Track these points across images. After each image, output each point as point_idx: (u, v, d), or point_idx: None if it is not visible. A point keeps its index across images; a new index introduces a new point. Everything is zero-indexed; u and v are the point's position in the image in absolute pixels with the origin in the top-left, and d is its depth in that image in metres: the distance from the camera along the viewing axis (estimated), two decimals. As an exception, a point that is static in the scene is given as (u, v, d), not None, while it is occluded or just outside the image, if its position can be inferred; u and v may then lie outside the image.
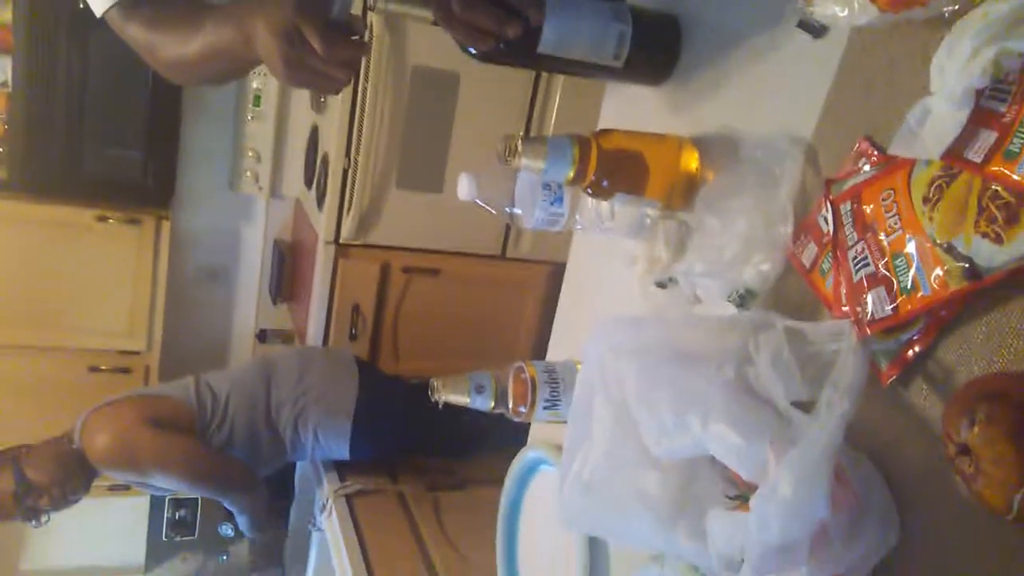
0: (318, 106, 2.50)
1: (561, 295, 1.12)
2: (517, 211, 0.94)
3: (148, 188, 2.50)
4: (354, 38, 0.79)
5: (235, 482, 1.88)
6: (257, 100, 2.60)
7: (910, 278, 0.57)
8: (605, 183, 0.83)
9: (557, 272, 2.52)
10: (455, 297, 2.54)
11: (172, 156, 2.55)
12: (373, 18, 2.14)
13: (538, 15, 0.76)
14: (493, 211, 0.93)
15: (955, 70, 0.52)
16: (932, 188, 0.56)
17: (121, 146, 2.45)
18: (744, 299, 0.71)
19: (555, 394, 0.88)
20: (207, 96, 2.62)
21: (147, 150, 2.46)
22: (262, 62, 0.84)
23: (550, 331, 1.15)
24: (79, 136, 2.36)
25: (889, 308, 0.59)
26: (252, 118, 2.64)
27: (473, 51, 0.81)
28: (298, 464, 2.27)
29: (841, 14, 0.59)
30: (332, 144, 2.31)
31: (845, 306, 0.63)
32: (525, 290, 2.60)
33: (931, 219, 0.56)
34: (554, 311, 1.14)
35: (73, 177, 2.39)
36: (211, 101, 2.64)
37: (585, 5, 0.81)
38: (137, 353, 2.60)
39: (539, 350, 2.55)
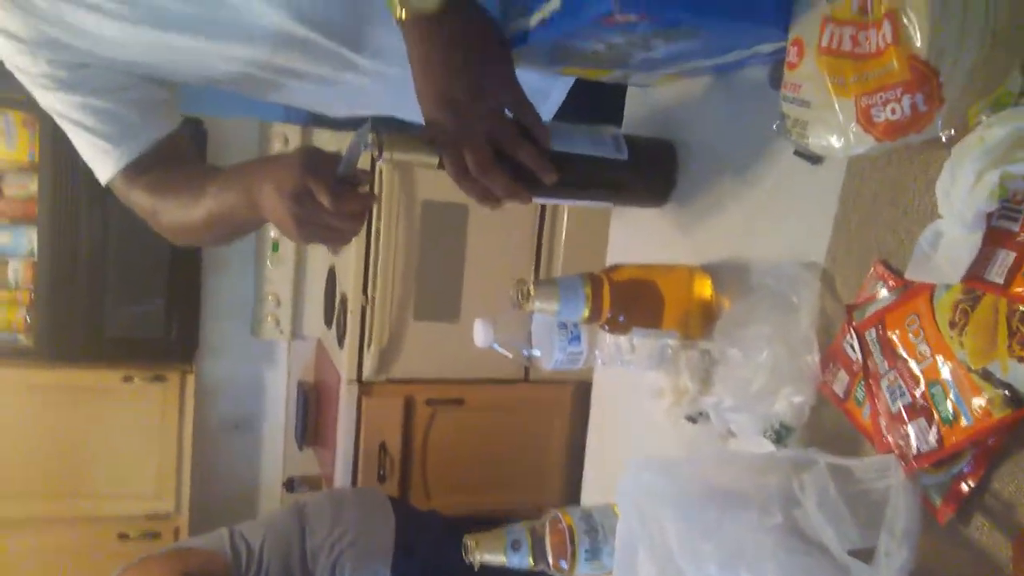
0: (335, 248, 2.55)
1: (588, 434, 1.09)
2: (536, 353, 0.93)
3: (172, 342, 2.53)
4: (361, 190, 0.81)
5: None
6: (275, 247, 2.67)
7: (949, 407, 0.55)
8: (621, 318, 0.82)
9: (581, 390, 2.48)
10: (482, 425, 2.50)
11: (195, 308, 2.59)
12: (381, 164, 2.22)
13: (551, 176, 0.78)
14: (511, 355, 0.93)
15: (961, 195, 0.51)
16: (957, 312, 0.55)
17: (144, 302, 2.50)
18: (780, 435, 0.68)
19: (596, 544, 0.83)
20: (226, 247, 2.69)
21: (170, 304, 2.51)
22: (266, 223, 0.86)
23: (580, 450, 1.11)
24: (102, 298, 2.41)
25: (933, 440, 0.56)
26: (271, 264, 2.69)
27: None
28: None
29: (836, 145, 0.59)
30: (350, 283, 2.35)
31: (887, 437, 0.60)
32: (552, 410, 2.55)
33: (961, 344, 0.54)
34: (582, 429, 1.11)
35: (98, 340, 2.42)
36: (231, 251, 2.70)
37: (580, 130, 0.83)
38: (167, 515, 2.55)
39: (571, 470, 2.49)
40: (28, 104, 0.95)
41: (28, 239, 2.38)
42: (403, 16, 0.69)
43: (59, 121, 0.94)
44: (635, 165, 0.86)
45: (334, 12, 0.88)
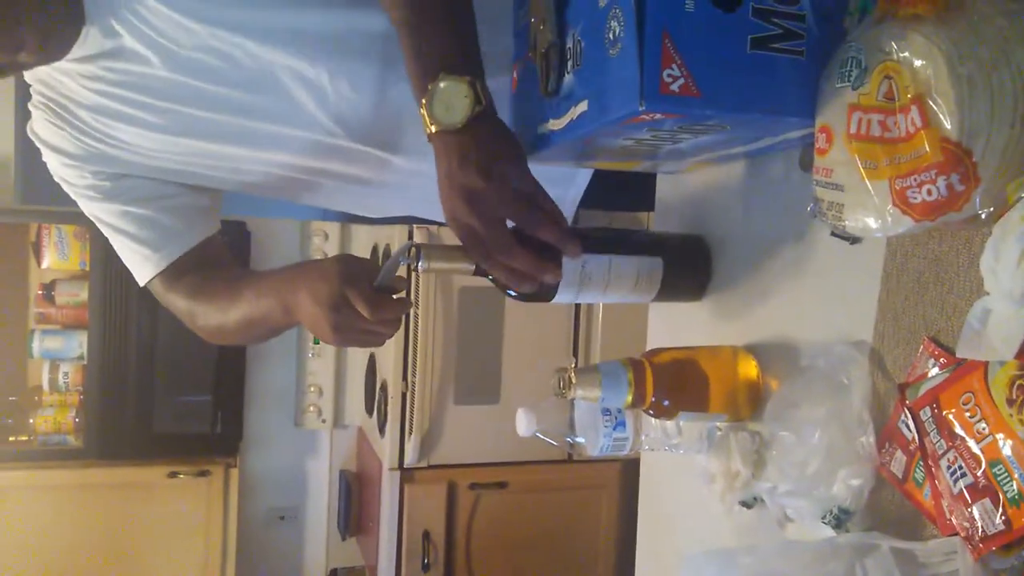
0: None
1: (639, 520, 1.07)
2: (580, 440, 0.92)
3: (217, 436, 2.55)
4: (397, 296, 0.83)
5: None
6: (317, 339, 2.70)
7: (1015, 487, 0.53)
8: (666, 402, 0.81)
9: (629, 468, 2.44)
10: (527, 508, 2.46)
11: (239, 402, 2.62)
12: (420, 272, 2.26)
13: (575, 248, 0.79)
14: (556, 443, 0.92)
15: (1007, 273, 0.51)
16: (1014, 388, 0.54)
17: (191, 398, 2.54)
18: (840, 519, 0.66)
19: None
20: (270, 341, 2.73)
21: (215, 399, 2.55)
22: (299, 326, 0.87)
23: (630, 531, 1.09)
24: (150, 395, 2.46)
25: (1000, 522, 0.54)
26: (313, 355, 2.73)
27: (513, 293, 0.83)
28: None
29: (874, 226, 0.59)
30: (390, 370, 2.36)
31: (950, 519, 0.58)
32: (598, 491, 2.50)
33: (1022, 422, 0.53)
34: (631, 509, 1.08)
35: (145, 437, 2.45)
36: (273, 344, 2.74)
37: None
38: (211, 611, 2.53)
39: (622, 553, 2.41)
40: (80, 218, 1.00)
41: (79, 343, 2.45)
42: (432, 130, 0.73)
43: (100, 227, 0.98)
44: (667, 265, 0.86)
45: (373, 120, 0.92)
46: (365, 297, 0.78)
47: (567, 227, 0.78)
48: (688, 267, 0.90)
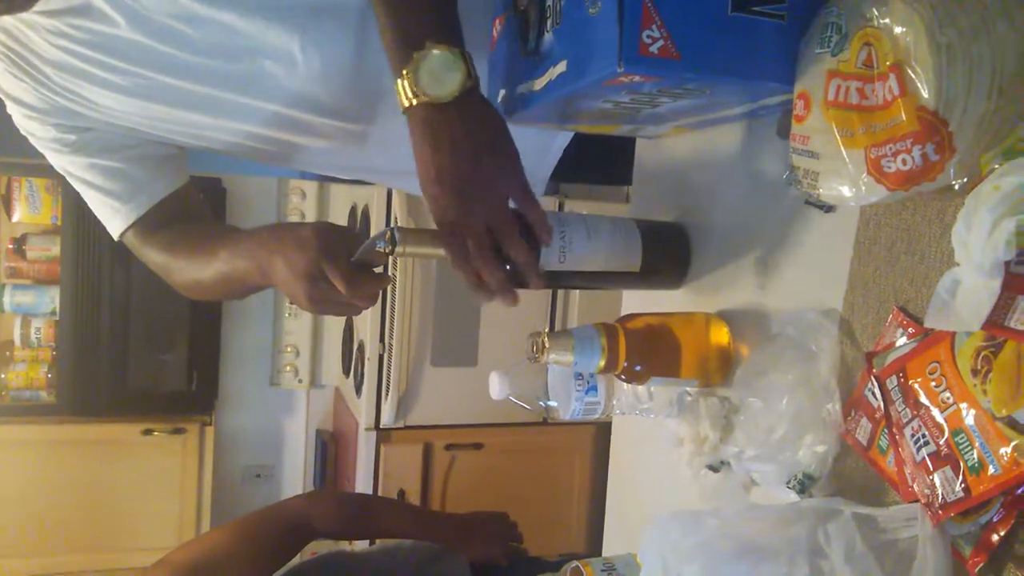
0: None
1: (608, 483, 1.08)
2: (553, 404, 0.92)
3: (192, 395, 2.54)
4: (376, 269, 0.81)
5: None
6: (292, 299, 2.68)
7: (975, 456, 0.54)
8: (638, 368, 0.81)
9: (602, 432, 2.47)
10: (502, 470, 2.49)
11: (214, 360, 2.61)
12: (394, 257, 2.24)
13: (537, 284, 0.76)
14: (528, 407, 0.92)
15: (978, 243, 0.51)
16: (979, 359, 0.54)
17: (165, 355, 2.52)
18: (804, 484, 0.67)
19: (618, 597, 0.82)
20: (246, 299, 2.71)
21: (190, 356, 2.53)
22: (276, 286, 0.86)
23: (602, 493, 1.10)
24: (124, 352, 2.43)
25: (959, 489, 0.55)
26: (289, 315, 2.71)
27: None
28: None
29: (848, 195, 0.59)
30: (367, 332, 2.36)
31: (912, 486, 0.59)
32: (572, 453, 2.54)
33: (985, 392, 0.53)
34: (603, 472, 1.10)
35: (119, 394, 2.44)
36: (250, 303, 2.72)
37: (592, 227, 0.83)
38: (186, 566, 2.54)
39: (594, 514, 2.45)
40: (51, 171, 0.98)
41: (51, 298, 2.42)
42: (414, 103, 0.68)
43: (70, 180, 0.96)
44: (648, 258, 0.85)
45: (344, 93, 0.90)
46: (342, 273, 0.76)
47: (546, 245, 0.76)
48: (668, 252, 0.89)
